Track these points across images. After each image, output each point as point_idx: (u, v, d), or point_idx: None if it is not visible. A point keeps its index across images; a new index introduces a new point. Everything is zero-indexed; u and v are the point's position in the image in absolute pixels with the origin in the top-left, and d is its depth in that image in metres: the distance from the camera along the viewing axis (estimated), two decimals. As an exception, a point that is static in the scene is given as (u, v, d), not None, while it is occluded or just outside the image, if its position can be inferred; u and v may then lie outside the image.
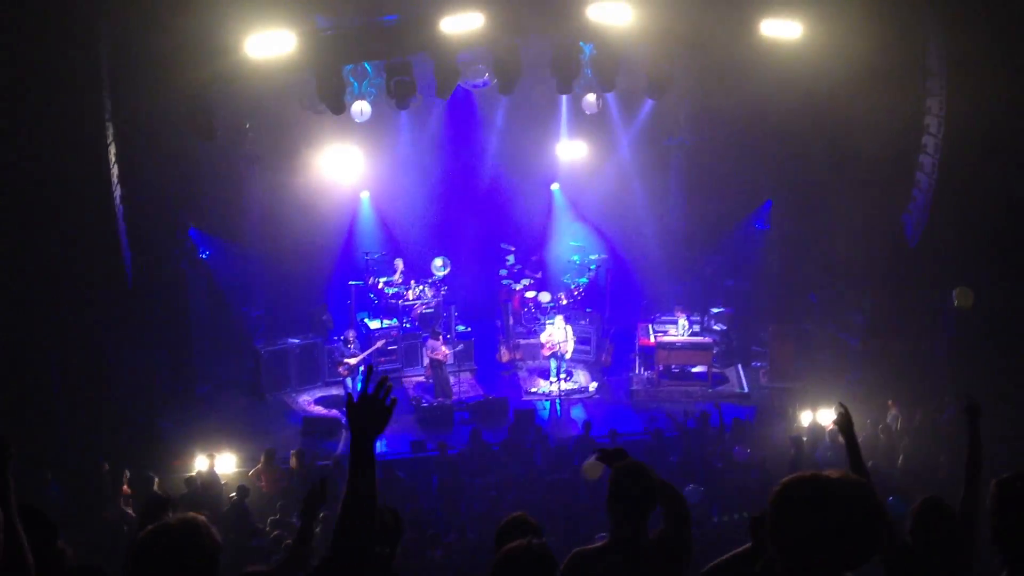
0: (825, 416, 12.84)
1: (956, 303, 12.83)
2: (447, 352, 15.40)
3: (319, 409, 15.34)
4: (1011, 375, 12.47)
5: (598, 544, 4.27)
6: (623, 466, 4.27)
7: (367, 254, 17.37)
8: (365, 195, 18.41)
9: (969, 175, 12.91)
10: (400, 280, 17.06)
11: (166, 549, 2.52)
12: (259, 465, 12.14)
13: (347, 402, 2.93)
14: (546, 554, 3.29)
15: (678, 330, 16.27)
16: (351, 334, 15.48)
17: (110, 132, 12.02)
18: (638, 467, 4.27)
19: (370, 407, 2.90)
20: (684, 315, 16.40)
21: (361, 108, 15.35)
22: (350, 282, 17.39)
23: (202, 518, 2.64)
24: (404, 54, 13.56)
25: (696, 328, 16.46)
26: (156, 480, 10.82)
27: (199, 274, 16.21)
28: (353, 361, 15.06)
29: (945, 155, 13.02)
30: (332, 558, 2.89)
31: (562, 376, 15.94)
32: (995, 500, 3.24)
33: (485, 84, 16.30)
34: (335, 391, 15.87)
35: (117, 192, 12.39)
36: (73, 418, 12.62)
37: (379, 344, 15.72)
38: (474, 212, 18.82)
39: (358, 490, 2.87)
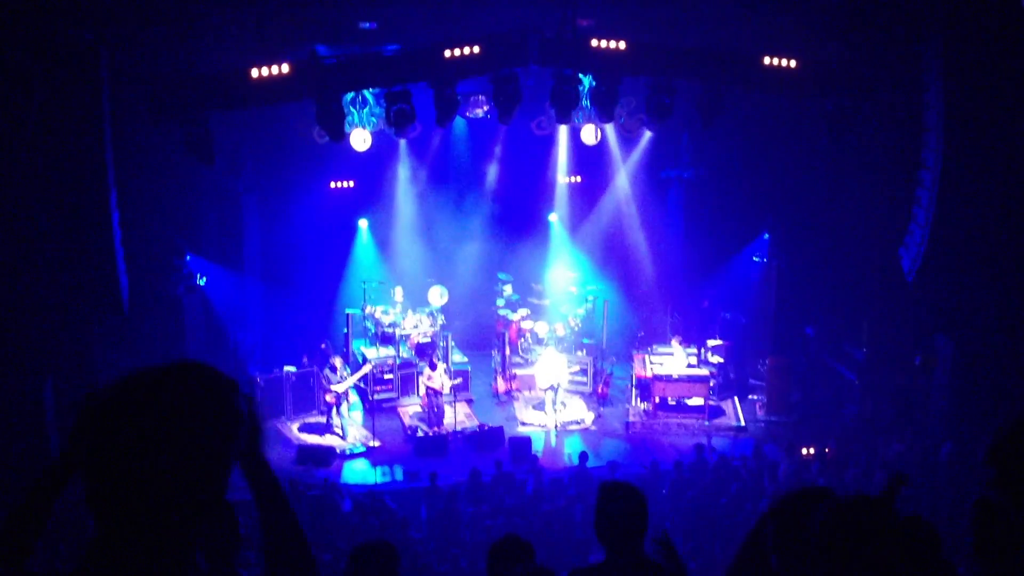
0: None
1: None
2: (444, 382, 15.35)
3: (304, 437, 15.21)
4: (1010, 410, 12.43)
5: (595, 564, 4.25)
6: (610, 487, 4.27)
7: (365, 282, 17.38)
8: (364, 223, 18.48)
9: (967, 209, 12.93)
10: (399, 309, 17.03)
11: None
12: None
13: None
14: None
15: (675, 362, 16.22)
16: (338, 361, 15.43)
17: (109, 156, 12.03)
18: (624, 485, 4.29)
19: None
20: (681, 346, 16.37)
21: (361, 136, 15.43)
22: (347, 310, 17.39)
23: None
24: (404, 83, 13.62)
25: (693, 360, 16.41)
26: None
27: (195, 300, 16.18)
28: (340, 388, 15.03)
29: (942, 188, 13.04)
30: None
31: (558, 407, 15.88)
32: (975, 517, 3.23)
33: (485, 114, 16.41)
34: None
35: (115, 216, 12.39)
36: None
37: (366, 370, 15.66)
38: (472, 242, 18.85)
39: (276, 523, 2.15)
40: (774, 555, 2.48)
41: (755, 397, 16.71)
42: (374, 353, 16.44)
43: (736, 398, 16.65)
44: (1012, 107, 12.20)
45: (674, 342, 16.51)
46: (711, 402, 16.09)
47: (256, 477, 2.09)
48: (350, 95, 14.85)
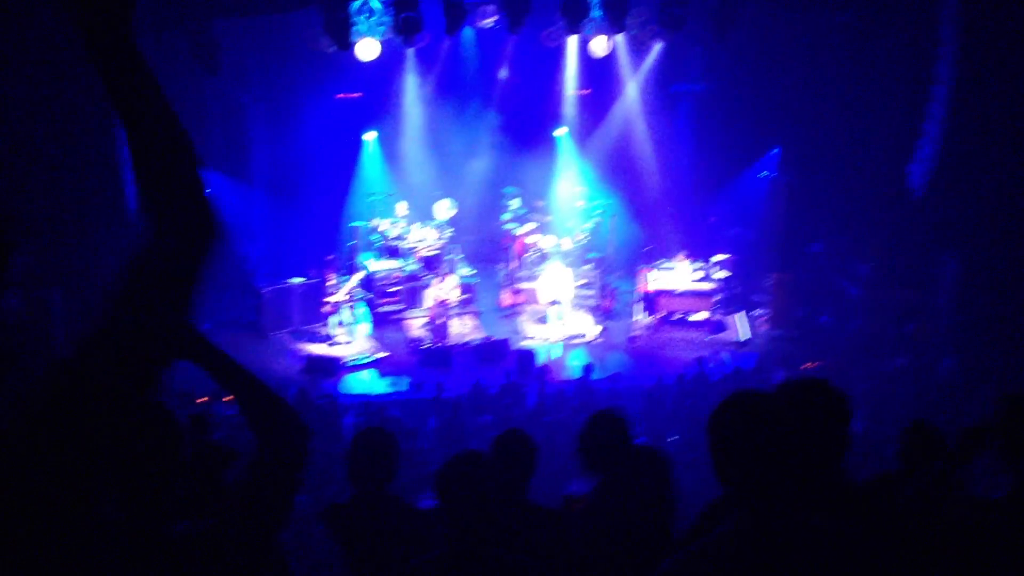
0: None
1: None
2: (451, 294, 15.41)
3: (311, 348, 15.32)
4: (1012, 328, 12.47)
5: (586, 492, 4.39)
6: (595, 416, 4.43)
7: (371, 195, 17.35)
8: (371, 136, 18.37)
9: (979, 126, 12.81)
10: (404, 223, 17.00)
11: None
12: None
13: None
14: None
15: (680, 276, 16.25)
16: (342, 270, 15.56)
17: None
18: (609, 416, 4.42)
19: None
20: (687, 260, 16.38)
21: (368, 46, 15.24)
22: (353, 223, 17.39)
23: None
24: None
25: (699, 275, 16.43)
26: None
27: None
28: (335, 298, 15.15)
29: (955, 104, 12.88)
30: None
31: (563, 320, 15.96)
32: (1002, 415, 3.32)
33: (494, 24, 16.16)
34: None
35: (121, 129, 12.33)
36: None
37: (360, 275, 15.71)
38: (480, 155, 18.76)
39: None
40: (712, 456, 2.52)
41: (760, 312, 16.77)
42: (380, 266, 16.46)
43: (741, 313, 16.71)
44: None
45: (680, 256, 16.52)
46: (716, 317, 16.17)
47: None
48: (357, 3, 14.63)
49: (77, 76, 11.65)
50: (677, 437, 10.55)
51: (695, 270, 16.47)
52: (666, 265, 16.61)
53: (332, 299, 15.22)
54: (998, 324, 12.78)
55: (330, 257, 16.52)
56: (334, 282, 15.38)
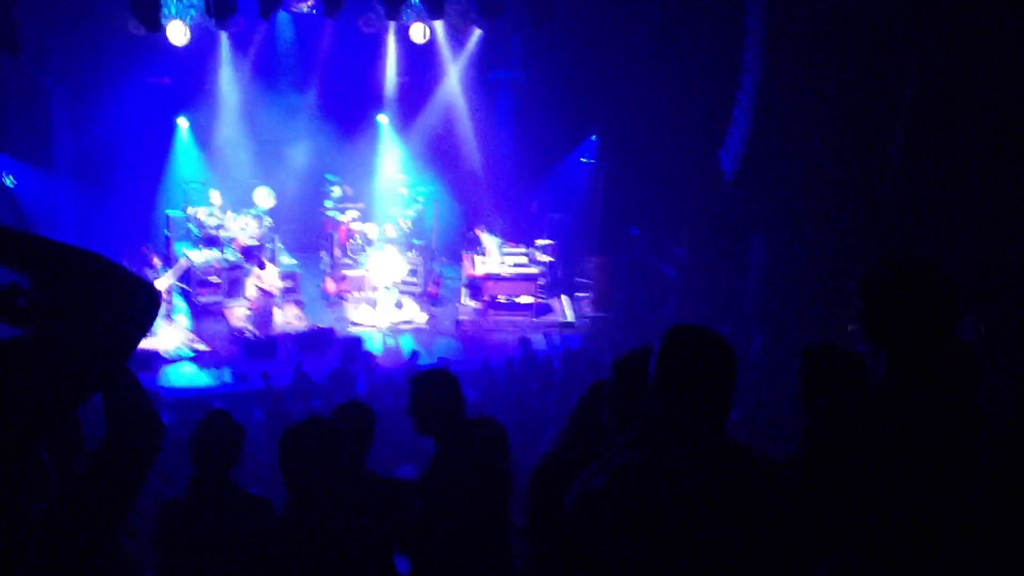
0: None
1: None
2: (273, 283, 15.08)
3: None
4: (816, 311, 13.18)
5: (428, 460, 4.41)
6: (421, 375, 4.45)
7: (186, 183, 16.78)
8: (183, 122, 17.76)
9: (786, 113, 13.45)
10: (219, 211, 16.50)
11: None
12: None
13: None
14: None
15: (491, 257, 16.40)
16: (157, 260, 15.05)
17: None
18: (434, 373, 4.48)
19: None
20: (493, 237, 16.57)
21: (179, 29, 14.71)
22: (168, 212, 16.79)
23: None
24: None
25: (519, 258, 16.65)
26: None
27: (3, 202, 15.25)
28: (158, 286, 14.64)
29: (762, 92, 13.49)
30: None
31: (390, 307, 15.89)
32: (802, 365, 3.62)
33: (310, 9, 15.90)
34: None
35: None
36: None
37: (182, 264, 15.22)
38: (300, 141, 18.42)
39: None
40: (608, 408, 2.64)
41: (582, 295, 17.17)
42: (198, 255, 15.94)
43: (564, 296, 17.07)
44: (832, 14, 12.65)
45: (479, 229, 16.67)
46: (540, 300, 16.46)
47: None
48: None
49: None
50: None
51: (515, 253, 16.68)
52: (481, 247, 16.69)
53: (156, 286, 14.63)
54: (801, 302, 13.50)
55: (145, 247, 15.90)
56: (157, 269, 14.82)
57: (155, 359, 13.86)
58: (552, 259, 17.03)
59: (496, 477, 4.30)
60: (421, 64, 18.69)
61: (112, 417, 2.36)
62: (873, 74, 12.85)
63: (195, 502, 4.25)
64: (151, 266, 14.87)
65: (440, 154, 19.10)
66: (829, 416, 2.75)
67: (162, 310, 14.66)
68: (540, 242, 17.14)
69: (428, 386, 4.38)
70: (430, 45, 17.89)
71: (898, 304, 2.72)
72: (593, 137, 18.01)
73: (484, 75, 18.86)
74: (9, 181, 14.96)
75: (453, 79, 18.85)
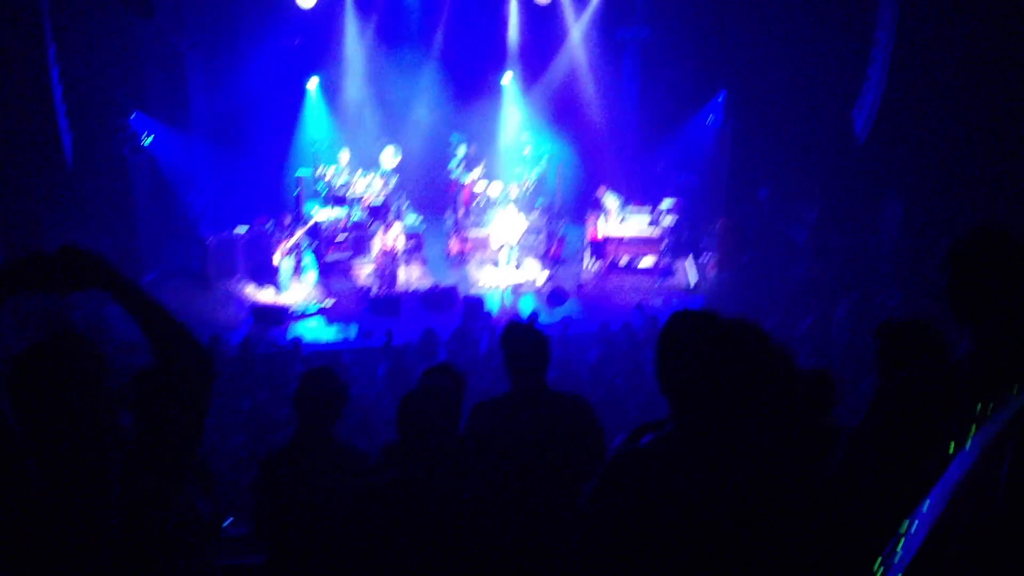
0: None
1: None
2: (398, 242, 15.31)
3: (257, 297, 15.18)
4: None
5: (499, 396, 4.48)
6: (512, 324, 4.53)
7: (315, 143, 17.12)
8: (313, 82, 18.11)
9: (921, 72, 12.92)
10: (347, 171, 16.79)
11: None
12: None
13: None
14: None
15: (614, 218, 16.27)
16: (288, 218, 15.41)
17: (45, 6, 11.57)
18: (521, 325, 4.54)
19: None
20: (617, 198, 16.40)
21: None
22: (298, 172, 17.17)
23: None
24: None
25: (644, 221, 16.47)
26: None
27: (142, 160, 15.85)
28: (287, 245, 15.02)
29: (897, 48, 12.98)
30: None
31: (511, 267, 15.95)
32: (878, 337, 3.55)
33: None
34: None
35: (54, 71, 12.00)
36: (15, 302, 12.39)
37: (311, 224, 15.56)
38: (425, 102, 18.59)
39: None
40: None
41: (707, 257, 16.90)
42: (326, 214, 16.28)
43: (688, 258, 16.82)
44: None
45: (607, 197, 16.50)
46: (663, 262, 16.27)
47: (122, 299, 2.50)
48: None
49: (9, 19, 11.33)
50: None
51: (640, 215, 16.50)
52: (614, 207, 16.56)
53: (280, 248, 15.06)
54: (936, 264, 13.00)
55: (277, 209, 16.33)
56: (282, 231, 15.22)
57: (285, 314, 14.25)
58: (676, 220, 16.77)
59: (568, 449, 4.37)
60: (544, 23, 18.58)
61: (160, 351, 2.52)
62: (1013, 32, 12.20)
63: (296, 454, 4.37)
64: (283, 226, 15.26)
65: (563, 114, 18.99)
66: (905, 389, 2.63)
67: (292, 267, 15.10)
68: (665, 203, 16.89)
69: (513, 338, 4.44)
70: (554, 5, 17.80)
71: (987, 277, 2.59)
72: (720, 96, 17.62)
73: (609, 33, 18.63)
74: (147, 140, 15.50)
75: (577, 38, 18.69)
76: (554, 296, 14.93)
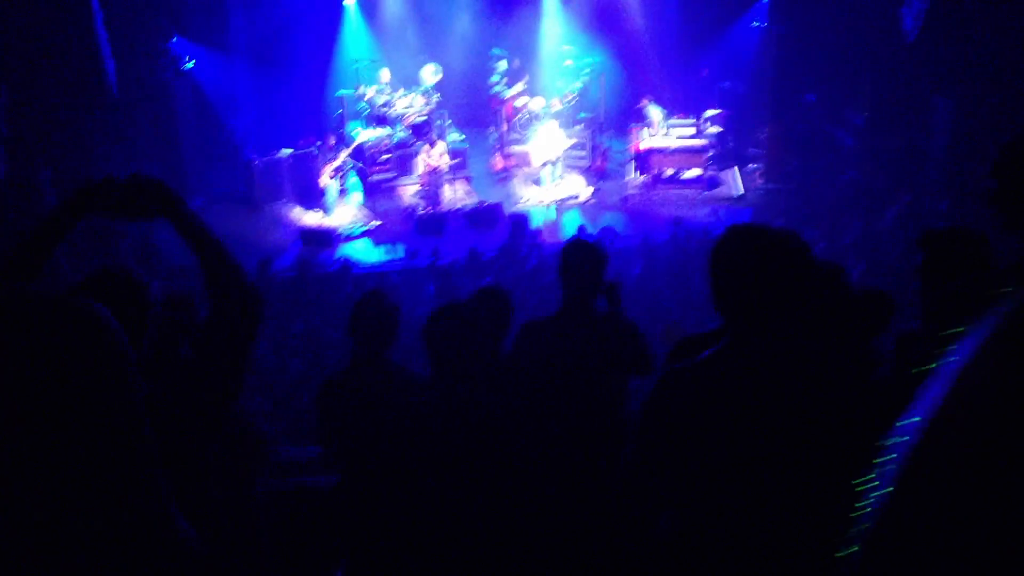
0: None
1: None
2: (441, 160, 15.29)
3: (304, 219, 15.29)
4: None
5: (548, 316, 4.53)
6: (573, 241, 4.55)
7: (355, 62, 17.03)
8: (351, 1, 17.96)
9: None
10: (388, 89, 16.70)
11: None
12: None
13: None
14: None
15: (661, 130, 16.09)
16: (332, 140, 15.44)
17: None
18: (586, 243, 4.55)
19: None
20: (660, 110, 16.19)
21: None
22: (339, 92, 17.11)
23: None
24: None
25: (689, 131, 16.27)
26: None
27: (185, 84, 15.90)
28: (333, 166, 15.07)
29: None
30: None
31: (556, 182, 15.89)
32: (921, 245, 3.49)
33: None
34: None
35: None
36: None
37: (354, 145, 15.57)
38: (464, 17, 18.37)
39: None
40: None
41: (754, 167, 16.70)
42: (369, 134, 16.25)
43: (735, 168, 16.63)
44: None
45: (651, 108, 16.27)
46: (710, 172, 16.11)
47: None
48: None
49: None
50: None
51: (679, 125, 16.30)
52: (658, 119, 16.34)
53: (325, 170, 15.11)
54: (988, 168, 12.71)
55: (320, 131, 16.33)
56: (327, 152, 15.26)
57: (332, 236, 14.37)
58: (722, 129, 16.54)
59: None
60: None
61: (215, 286, 2.57)
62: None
63: (352, 376, 4.48)
64: (328, 148, 15.29)
65: (605, 24, 18.63)
66: (953, 300, 2.61)
67: (337, 189, 15.15)
68: (709, 112, 16.64)
69: (575, 254, 4.47)
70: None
71: None
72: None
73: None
74: (189, 64, 15.52)
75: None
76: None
